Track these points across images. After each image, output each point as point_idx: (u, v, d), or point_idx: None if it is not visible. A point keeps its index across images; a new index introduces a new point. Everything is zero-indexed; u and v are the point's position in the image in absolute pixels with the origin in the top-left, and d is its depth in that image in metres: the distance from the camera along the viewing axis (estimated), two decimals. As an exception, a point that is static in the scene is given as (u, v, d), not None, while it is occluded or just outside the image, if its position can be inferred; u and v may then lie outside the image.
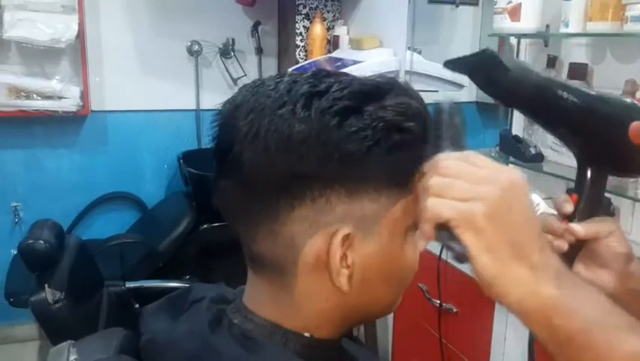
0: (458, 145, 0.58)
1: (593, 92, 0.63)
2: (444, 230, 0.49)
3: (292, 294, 0.56)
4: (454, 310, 1.74)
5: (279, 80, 0.55)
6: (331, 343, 0.60)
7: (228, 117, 0.55)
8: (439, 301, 1.76)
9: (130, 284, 2.07)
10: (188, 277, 2.33)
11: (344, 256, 0.53)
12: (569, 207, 0.66)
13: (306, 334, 0.57)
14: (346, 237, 0.53)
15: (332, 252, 0.53)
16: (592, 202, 0.67)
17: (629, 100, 0.64)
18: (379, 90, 0.53)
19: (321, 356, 0.58)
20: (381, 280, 0.56)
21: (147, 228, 2.67)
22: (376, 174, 0.52)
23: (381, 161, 0.52)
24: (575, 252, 0.67)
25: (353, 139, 0.50)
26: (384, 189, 0.53)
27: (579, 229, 0.64)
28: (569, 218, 0.67)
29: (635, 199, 1.47)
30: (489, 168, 0.50)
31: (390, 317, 2.24)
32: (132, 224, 2.81)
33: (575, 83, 0.64)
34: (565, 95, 0.61)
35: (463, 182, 0.49)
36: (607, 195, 1.49)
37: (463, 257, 0.49)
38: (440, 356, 1.77)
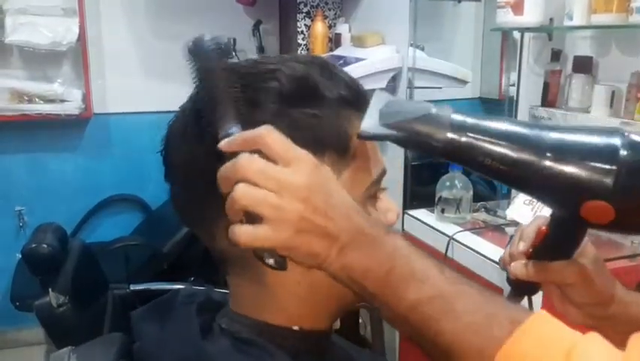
0: None
1: (531, 157, 0.48)
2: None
3: (266, 285, 0.55)
4: (461, 308, 1.72)
5: None
6: (320, 334, 0.58)
7: (171, 122, 0.56)
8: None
9: (135, 287, 2.07)
10: (192, 278, 2.32)
11: None
12: (521, 246, 0.62)
13: (295, 327, 0.56)
14: None
15: None
16: (558, 244, 0.58)
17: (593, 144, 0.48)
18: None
19: (311, 348, 0.57)
20: None
21: (151, 230, 2.67)
22: (306, 147, 0.48)
23: (304, 133, 0.50)
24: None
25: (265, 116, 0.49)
26: (322, 162, 0.49)
27: (519, 271, 0.61)
28: (533, 250, 0.61)
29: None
30: (285, 168, 0.46)
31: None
32: (136, 226, 2.81)
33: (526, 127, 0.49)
34: (488, 161, 0.49)
35: (268, 200, 0.45)
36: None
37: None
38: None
